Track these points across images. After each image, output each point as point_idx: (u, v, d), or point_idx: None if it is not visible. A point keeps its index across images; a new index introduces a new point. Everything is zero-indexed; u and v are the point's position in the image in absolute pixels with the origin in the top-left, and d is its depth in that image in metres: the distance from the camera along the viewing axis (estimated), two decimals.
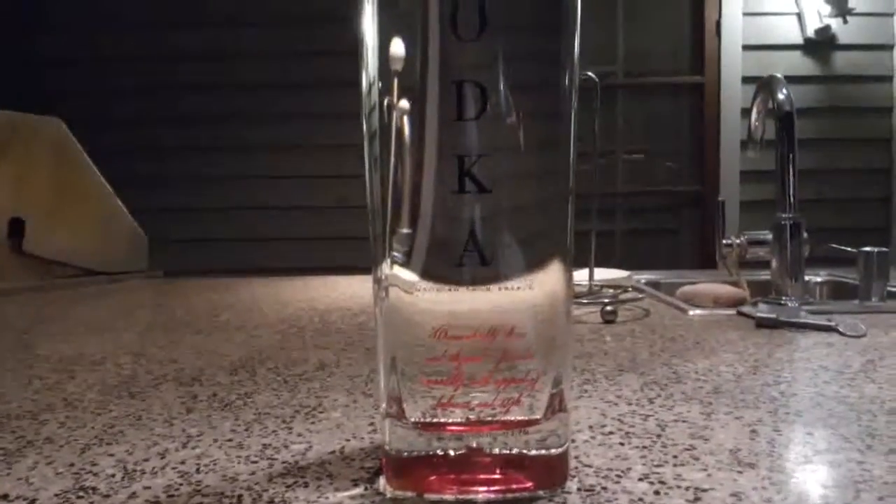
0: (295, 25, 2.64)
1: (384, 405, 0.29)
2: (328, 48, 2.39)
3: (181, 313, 0.81)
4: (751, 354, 0.53)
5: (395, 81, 0.27)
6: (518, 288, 0.27)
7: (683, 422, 0.36)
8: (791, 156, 0.78)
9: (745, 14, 2.67)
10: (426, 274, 0.27)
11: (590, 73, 0.73)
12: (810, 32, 2.64)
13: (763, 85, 0.83)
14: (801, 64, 2.69)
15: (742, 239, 0.78)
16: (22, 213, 1.09)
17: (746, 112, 2.63)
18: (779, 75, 0.82)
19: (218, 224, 2.71)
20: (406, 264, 0.28)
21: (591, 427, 0.36)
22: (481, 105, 0.26)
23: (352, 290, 1.01)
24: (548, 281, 0.28)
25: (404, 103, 0.27)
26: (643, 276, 1.08)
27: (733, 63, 2.68)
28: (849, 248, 0.82)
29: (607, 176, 2.83)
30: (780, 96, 0.79)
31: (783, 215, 0.76)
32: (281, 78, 2.67)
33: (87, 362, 0.54)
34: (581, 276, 0.84)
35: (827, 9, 2.60)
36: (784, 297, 0.75)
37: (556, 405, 0.29)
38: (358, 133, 0.29)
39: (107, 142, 2.44)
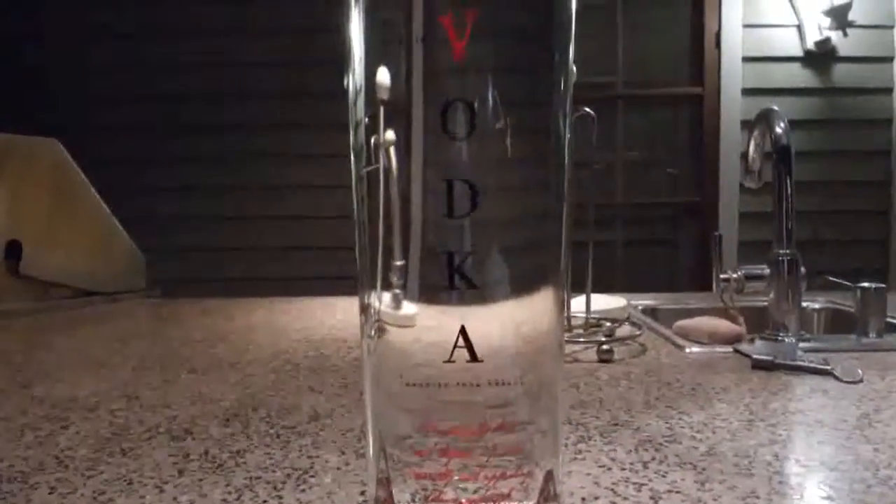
0: (295, 37, 2.64)
1: (373, 488, 0.29)
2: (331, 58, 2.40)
3: (177, 345, 0.80)
4: (746, 405, 0.53)
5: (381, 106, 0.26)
6: (509, 384, 0.27)
7: (677, 492, 0.36)
8: (788, 190, 0.77)
9: (744, 26, 2.67)
10: (417, 298, 0.27)
11: (586, 109, 0.72)
12: (810, 44, 2.64)
13: (760, 117, 0.83)
14: (800, 76, 2.69)
15: (739, 273, 0.78)
16: (19, 235, 1.08)
17: (746, 123, 2.63)
18: (776, 108, 0.82)
19: (216, 233, 2.70)
20: (396, 292, 0.27)
21: (583, 499, 0.36)
22: (470, 124, 0.26)
23: (348, 316, 1.00)
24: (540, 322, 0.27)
25: (390, 135, 0.27)
26: (641, 302, 1.08)
27: (733, 74, 2.68)
28: (847, 283, 0.82)
29: (606, 186, 2.83)
30: (778, 130, 0.79)
31: (781, 251, 0.76)
32: (289, 88, 2.67)
33: (80, 408, 0.54)
34: (578, 304, 0.84)
35: (827, 21, 2.60)
36: (780, 333, 0.75)
37: (549, 492, 0.29)
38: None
39: (103, 151, 2.46)
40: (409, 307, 0.27)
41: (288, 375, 0.64)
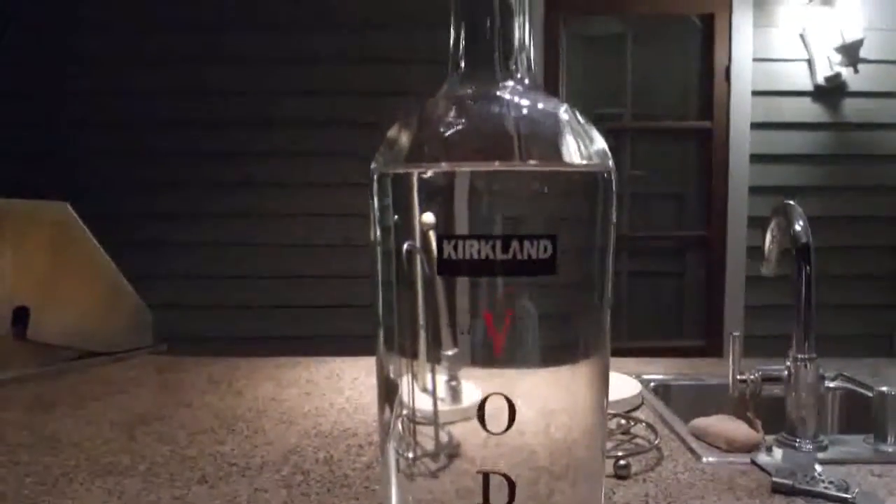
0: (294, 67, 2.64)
1: None
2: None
3: (185, 443, 0.79)
4: None
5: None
6: None
7: None
8: (808, 291, 0.76)
9: (754, 60, 2.66)
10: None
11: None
12: (820, 79, 2.63)
13: (778, 211, 0.82)
14: (810, 110, 2.68)
15: (756, 375, 0.77)
16: (28, 301, 1.08)
17: (755, 158, 2.62)
18: (794, 203, 0.80)
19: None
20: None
21: None
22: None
23: (353, 393, 1.00)
24: None
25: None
26: (653, 376, 1.06)
27: (742, 109, 2.67)
28: (864, 387, 0.80)
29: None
30: (798, 227, 0.78)
31: (800, 356, 0.75)
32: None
33: None
34: None
35: (838, 56, 2.59)
36: (798, 440, 0.74)
37: None
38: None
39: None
40: (469, 389, 0.25)
41: (299, 492, 0.63)
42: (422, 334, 0.26)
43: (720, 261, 2.72)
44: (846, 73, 2.61)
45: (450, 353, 0.25)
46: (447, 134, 0.26)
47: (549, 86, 2.64)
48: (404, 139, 0.27)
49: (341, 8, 2.63)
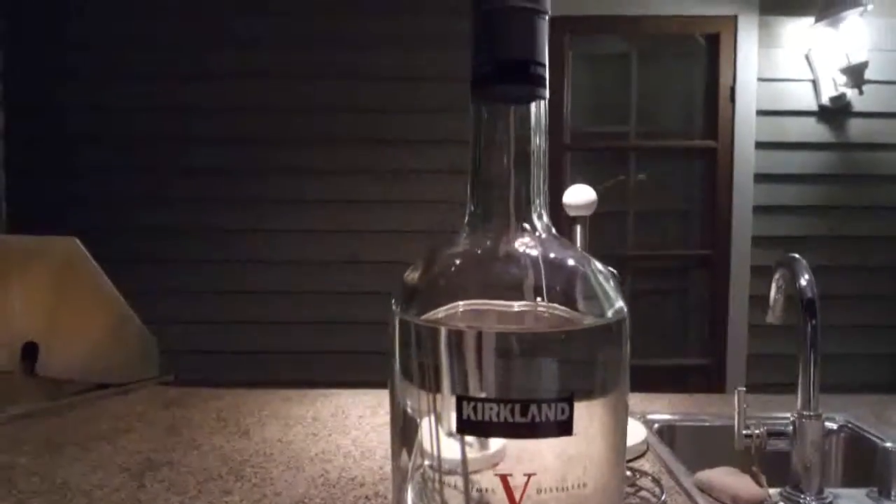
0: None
1: None
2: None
3: (194, 492, 0.80)
4: None
5: None
6: None
7: None
8: (814, 347, 0.77)
9: (759, 80, 2.67)
10: None
11: (610, 269, 0.72)
12: (825, 100, 2.64)
13: (783, 263, 0.83)
14: (815, 130, 2.69)
15: (762, 430, 0.78)
16: (36, 337, 1.09)
17: (759, 177, 2.63)
18: (799, 256, 0.81)
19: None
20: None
21: None
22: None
23: (358, 433, 1.00)
24: None
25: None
26: (657, 417, 1.07)
27: (747, 128, 2.67)
28: (870, 433, 0.81)
29: (617, 237, 2.83)
30: (803, 282, 0.79)
31: (805, 412, 0.75)
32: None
33: None
34: None
35: (842, 77, 2.59)
36: (803, 496, 0.75)
37: None
38: None
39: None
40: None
41: None
42: (445, 370, 0.25)
43: (724, 279, 2.72)
44: (851, 94, 2.61)
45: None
46: (464, 291, 0.26)
47: (554, 104, 2.65)
48: (423, 288, 0.27)
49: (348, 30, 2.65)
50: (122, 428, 1.02)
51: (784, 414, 0.96)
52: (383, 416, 1.08)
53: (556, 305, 0.26)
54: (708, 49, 2.73)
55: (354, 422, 1.05)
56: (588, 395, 0.25)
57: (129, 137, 2.67)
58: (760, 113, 2.67)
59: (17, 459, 0.89)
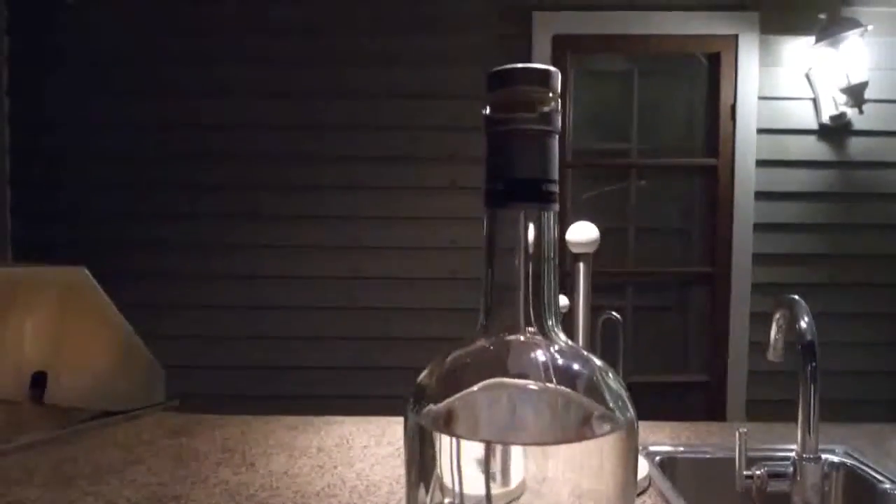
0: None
1: None
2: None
3: None
4: None
5: None
6: None
7: None
8: (813, 389, 0.78)
9: (760, 98, 2.68)
10: None
11: (613, 313, 0.73)
12: (825, 118, 2.65)
13: (783, 304, 0.84)
14: (815, 148, 2.70)
15: (763, 471, 0.79)
16: (44, 365, 1.10)
17: (760, 195, 2.64)
18: (799, 298, 0.82)
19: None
20: None
21: None
22: None
23: (366, 466, 1.02)
24: None
25: None
26: (658, 448, 1.08)
27: (747, 146, 2.69)
28: (872, 472, 0.82)
29: (618, 253, 2.84)
30: (803, 325, 0.80)
31: (805, 455, 0.76)
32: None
33: None
34: None
35: (843, 96, 2.61)
36: None
37: None
38: None
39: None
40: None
41: None
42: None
43: (725, 297, 2.73)
44: (851, 112, 2.62)
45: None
46: (478, 403, 0.28)
47: None
48: (436, 396, 0.29)
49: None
50: (129, 459, 1.03)
51: (786, 446, 0.97)
52: (387, 447, 1.09)
53: (570, 420, 0.27)
54: (709, 67, 2.75)
55: (359, 453, 1.06)
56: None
57: (132, 154, 2.69)
58: (761, 131, 2.69)
59: (27, 493, 0.90)
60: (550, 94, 0.28)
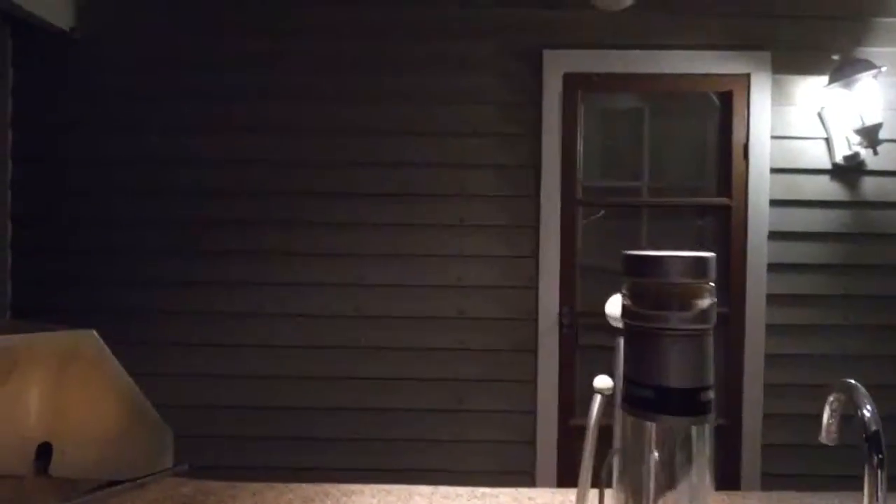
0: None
1: None
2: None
3: None
4: None
5: None
6: None
7: None
8: (881, 478, 0.73)
9: (773, 137, 2.66)
10: None
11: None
12: (839, 158, 2.63)
13: (842, 388, 0.79)
14: (829, 188, 2.67)
15: None
16: (50, 436, 1.04)
17: (773, 235, 2.59)
18: (856, 383, 0.78)
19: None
20: None
21: None
22: None
23: None
24: None
25: None
26: None
27: (761, 186, 2.66)
28: None
29: None
30: (867, 414, 0.75)
31: None
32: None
33: None
34: None
35: (856, 136, 2.59)
36: None
37: None
38: None
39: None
40: None
41: None
42: None
43: (739, 338, 2.69)
44: (864, 153, 2.60)
45: None
46: None
47: (567, 159, 2.64)
48: None
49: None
50: None
51: None
52: None
53: None
54: (721, 106, 2.73)
55: None
56: None
57: (135, 188, 2.66)
58: (774, 170, 2.66)
59: None
60: (708, 286, 0.24)
